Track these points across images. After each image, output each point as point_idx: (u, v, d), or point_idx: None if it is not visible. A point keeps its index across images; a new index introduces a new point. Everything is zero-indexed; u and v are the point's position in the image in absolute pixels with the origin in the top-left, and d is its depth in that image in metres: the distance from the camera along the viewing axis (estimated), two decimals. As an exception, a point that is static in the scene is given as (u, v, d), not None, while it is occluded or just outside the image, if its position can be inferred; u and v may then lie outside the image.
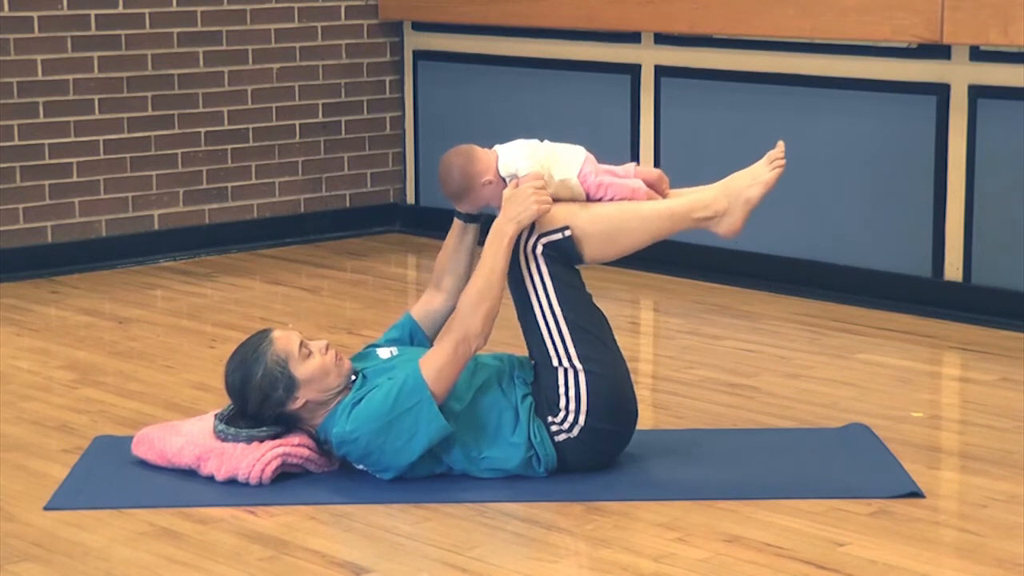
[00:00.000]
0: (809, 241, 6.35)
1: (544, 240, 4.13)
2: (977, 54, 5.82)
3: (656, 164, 6.71)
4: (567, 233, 4.13)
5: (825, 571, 3.59)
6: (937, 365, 5.50)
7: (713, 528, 3.84)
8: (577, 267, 4.21)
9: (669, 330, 5.97)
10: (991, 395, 4.97)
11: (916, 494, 4.04)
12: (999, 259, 5.85)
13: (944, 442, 4.61)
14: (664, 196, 4.30)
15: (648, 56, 6.75)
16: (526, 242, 4.14)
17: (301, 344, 4.16)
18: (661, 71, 6.72)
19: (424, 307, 4.44)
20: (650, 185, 4.28)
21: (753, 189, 4.24)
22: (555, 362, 4.14)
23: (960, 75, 5.87)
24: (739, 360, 5.39)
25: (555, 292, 4.14)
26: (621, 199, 4.22)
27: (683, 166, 6.66)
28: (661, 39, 6.70)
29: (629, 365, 4.27)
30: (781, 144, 4.29)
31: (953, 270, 5.97)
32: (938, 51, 5.90)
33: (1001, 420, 4.70)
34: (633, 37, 6.78)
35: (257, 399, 4.13)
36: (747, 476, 4.20)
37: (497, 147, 4.28)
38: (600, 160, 4.30)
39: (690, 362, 5.36)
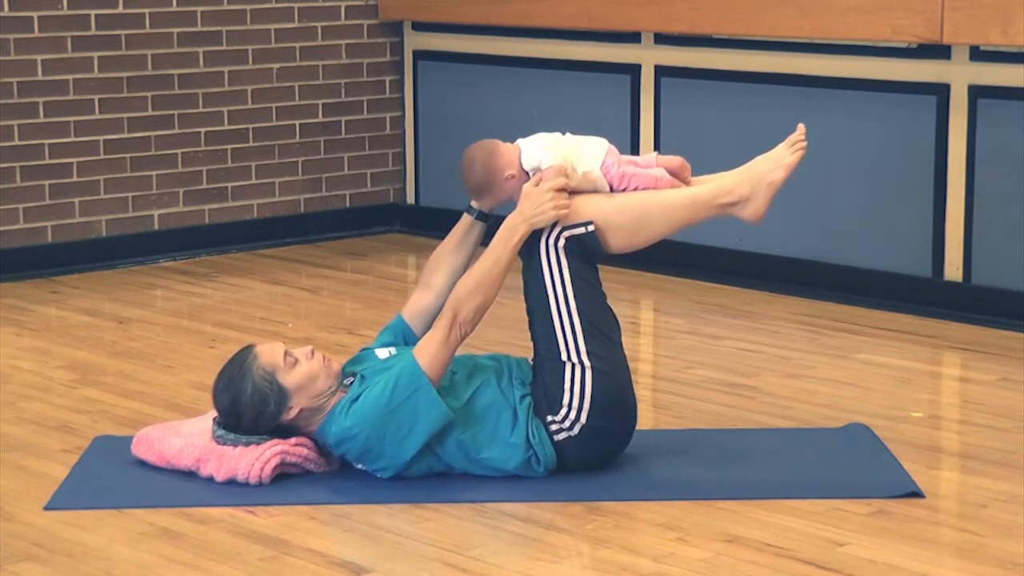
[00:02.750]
0: (809, 241, 6.35)
1: (567, 234, 4.13)
2: (977, 54, 5.82)
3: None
4: (590, 228, 4.14)
5: (825, 571, 3.59)
6: (937, 365, 5.50)
7: (713, 528, 3.84)
8: (596, 265, 4.21)
9: (669, 330, 5.97)
10: (991, 395, 4.97)
11: (916, 494, 4.04)
12: (999, 259, 5.84)
13: (944, 442, 4.61)
14: (687, 184, 4.30)
15: (648, 56, 6.75)
16: (548, 235, 4.14)
17: (286, 353, 4.15)
18: (661, 71, 6.72)
19: (414, 307, 4.42)
20: (672, 173, 4.28)
21: (776, 172, 4.25)
22: (563, 356, 4.14)
23: (960, 75, 5.87)
24: (739, 360, 5.39)
25: (572, 287, 4.14)
26: (644, 189, 4.22)
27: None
28: (661, 39, 6.70)
29: (630, 365, 4.27)
30: (801, 127, 4.29)
31: (953, 270, 5.97)
32: (938, 51, 5.89)
33: (1001, 420, 4.70)
34: (633, 37, 6.78)
35: (251, 416, 4.12)
36: (747, 476, 4.20)
37: (519, 141, 4.28)
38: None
39: (690, 362, 5.36)
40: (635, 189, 4.22)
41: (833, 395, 4.97)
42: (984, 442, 4.50)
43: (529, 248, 4.17)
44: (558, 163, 4.16)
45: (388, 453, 4.07)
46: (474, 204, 4.36)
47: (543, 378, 4.16)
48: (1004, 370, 5.23)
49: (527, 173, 4.20)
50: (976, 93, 5.84)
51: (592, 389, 4.13)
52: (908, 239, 6.07)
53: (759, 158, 4.30)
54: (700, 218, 4.27)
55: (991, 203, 5.85)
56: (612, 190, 4.23)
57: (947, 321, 5.85)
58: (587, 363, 4.13)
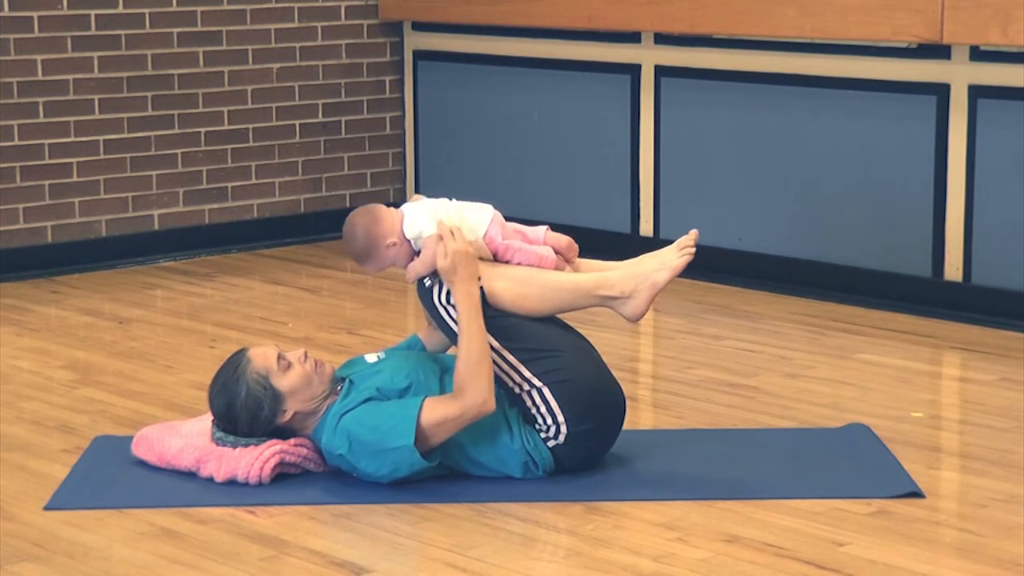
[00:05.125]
0: (809, 241, 6.35)
1: None
2: (977, 54, 5.82)
3: (656, 164, 6.71)
4: (479, 285, 4.14)
5: (825, 571, 3.59)
6: (937, 365, 5.50)
7: (713, 528, 3.84)
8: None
9: (669, 330, 5.97)
10: (991, 395, 4.97)
11: (916, 494, 4.04)
12: (999, 259, 5.85)
13: (944, 442, 4.61)
14: (572, 263, 4.31)
15: (648, 56, 6.75)
16: (439, 295, 4.15)
17: (279, 357, 4.14)
18: (661, 71, 6.72)
19: (428, 337, 4.45)
20: (559, 252, 4.29)
21: (660, 273, 4.21)
22: (516, 390, 4.14)
23: (960, 75, 5.87)
24: (739, 360, 5.39)
25: (486, 332, 4.13)
26: (528, 265, 4.23)
27: (683, 166, 6.66)
28: (661, 39, 6.70)
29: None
30: (694, 232, 4.26)
31: (953, 270, 5.97)
32: (938, 51, 5.89)
33: (1001, 420, 4.70)
34: (633, 37, 6.78)
35: (246, 420, 4.13)
36: (747, 476, 4.20)
37: (404, 207, 4.27)
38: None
39: (690, 362, 5.36)
40: (518, 264, 4.23)
41: (833, 395, 4.97)
42: (984, 442, 4.50)
43: (430, 313, 4.19)
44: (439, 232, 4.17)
45: (375, 476, 4.08)
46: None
47: (516, 405, 4.17)
48: (1004, 370, 5.23)
49: (409, 241, 4.21)
50: (976, 93, 5.84)
51: (558, 402, 4.12)
52: (908, 239, 6.07)
53: (647, 256, 4.28)
54: (581, 305, 4.26)
55: (991, 203, 5.85)
56: (496, 259, 4.23)
57: (947, 321, 5.85)
58: (539, 383, 4.12)
